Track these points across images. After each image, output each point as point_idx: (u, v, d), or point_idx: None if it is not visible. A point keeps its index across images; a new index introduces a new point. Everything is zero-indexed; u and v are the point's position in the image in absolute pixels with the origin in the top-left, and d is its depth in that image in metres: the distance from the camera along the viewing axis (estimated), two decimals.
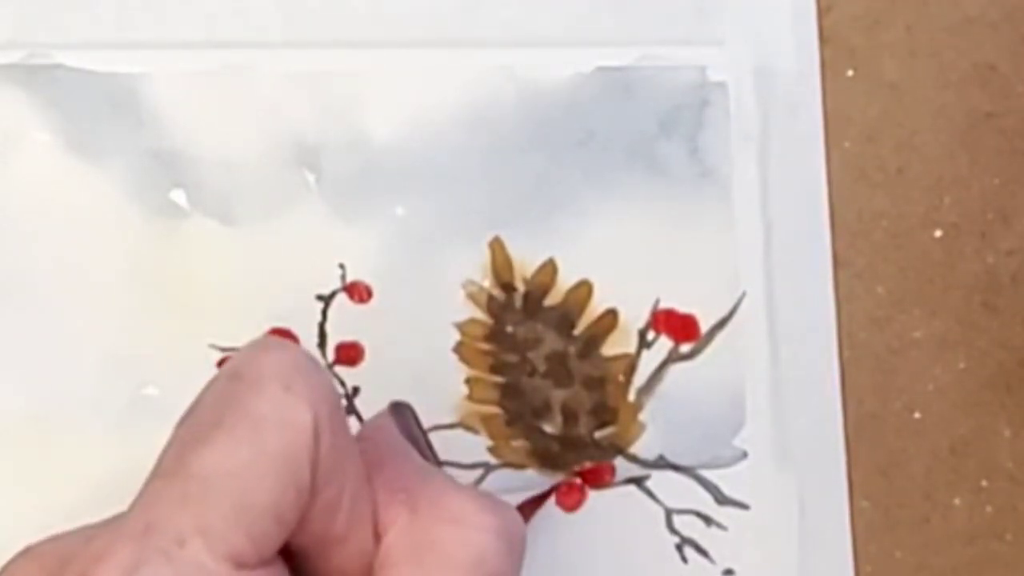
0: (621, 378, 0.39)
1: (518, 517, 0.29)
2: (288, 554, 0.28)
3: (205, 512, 0.25)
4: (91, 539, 0.26)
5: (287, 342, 0.29)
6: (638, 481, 0.39)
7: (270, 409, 0.26)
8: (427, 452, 0.31)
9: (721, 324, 0.39)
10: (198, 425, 0.27)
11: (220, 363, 0.38)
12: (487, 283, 0.39)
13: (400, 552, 0.28)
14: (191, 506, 0.25)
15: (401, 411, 0.32)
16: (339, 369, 0.38)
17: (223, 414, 0.27)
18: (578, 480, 0.38)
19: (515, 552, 0.28)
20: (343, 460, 0.27)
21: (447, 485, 0.29)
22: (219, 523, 0.25)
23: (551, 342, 0.39)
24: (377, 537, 0.28)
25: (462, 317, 0.39)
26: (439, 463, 0.32)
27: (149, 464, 0.37)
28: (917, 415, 0.40)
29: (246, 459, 0.26)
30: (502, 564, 0.27)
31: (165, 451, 0.27)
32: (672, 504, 0.39)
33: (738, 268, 0.40)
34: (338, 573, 0.28)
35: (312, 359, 0.28)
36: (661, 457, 0.39)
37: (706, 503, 0.39)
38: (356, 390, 0.38)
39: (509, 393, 0.39)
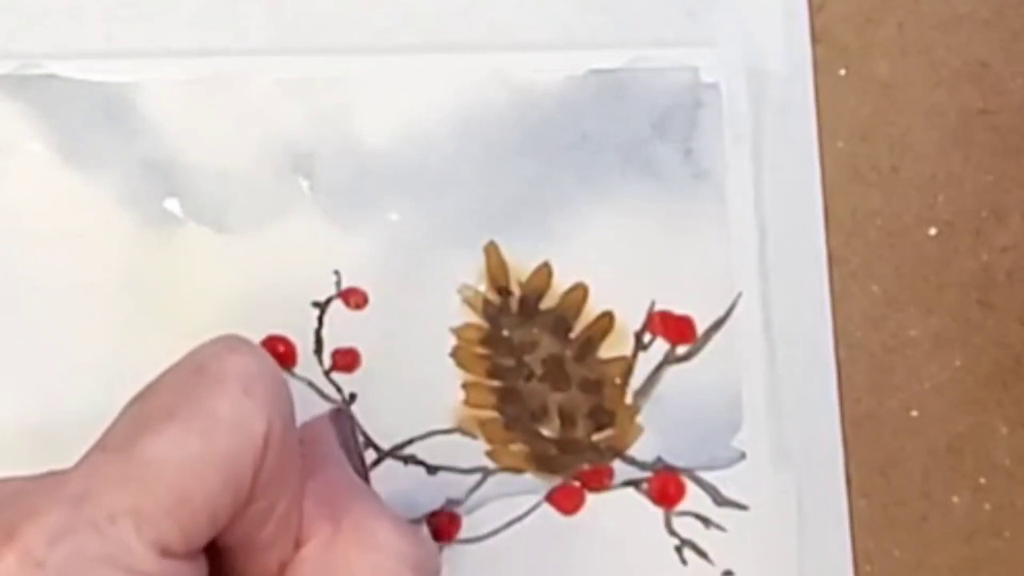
0: (618, 381, 0.39)
1: (435, 551, 0.29)
2: (211, 548, 0.28)
3: (143, 496, 0.26)
4: (21, 492, 0.26)
5: (256, 347, 0.29)
6: (636, 483, 0.39)
7: (227, 410, 0.27)
8: (359, 465, 0.32)
9: (717, 325, 0.39)
10: (153, 408, 0.27)
11: None
12: (482, 287, 0.39)
13: (314, 566, 0.28)
14: (130, 487, 0.26)
15: (341, 419, 0.32)
16: (336, 376, 0.38)
17: (179, 404, 0.27)
18: (576, 483, 0.38)
19: None
20: (285, 473, 0.28)
21: (373, 508, 0.29)
22: (154, 509, 0.26)
23: (547, 345, 0.39)
24: (296, 545, 0.28)
25: (458, 322, 0.39)
26: (367, 478, 0.32)
27: None
28: (914, 413, 0.40)
29: (194, 454, 0.26)
30: None
31: (115, 424, 0.28)
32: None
33: (733, 269, 0.40)
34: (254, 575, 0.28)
35: (276, 368, 0.28)
36: (659, 459, 0.39)
37: (705, 504, 0.39)
38: (353, 396, 0.38)
39: (506, 397, 0.39)
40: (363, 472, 0.32)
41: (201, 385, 0.27)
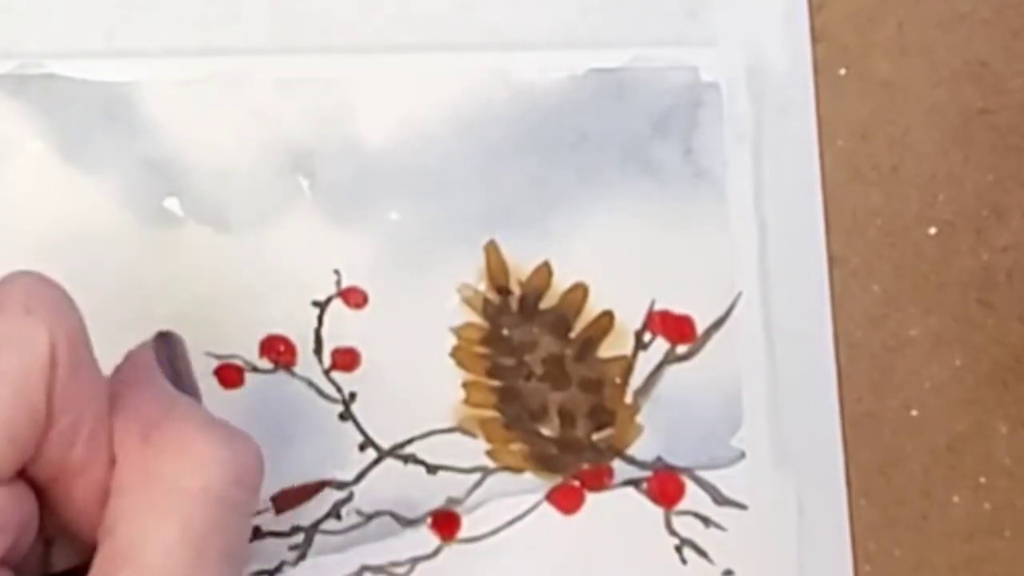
0: (618, 380, 0.39)
1: (253, 448, 0.29)
2: (33, 486, 0.28)
3: None
4: None
5: (37, 272, 0.29)
6: (636, 483, 0.39)
7: (8, 330, 0.27)
8: (188, 385, 0.31)
9: (717, 325, 0.39)
10: None
11: (217, 371, 0.38)
12: (482, 287, 0.39)
13: (130, 479, 0.28)
14: None
15: (165, 341, 0.32)
16: (336, 375, 0.38)
17: None
18: (576, 483, 0.38)
19: (246, 482, 0.29)
20: (83, 390, 0.28)
21: (187, 415, 0.29)
22: None
23: (547, 345, 0.39)
24: (112, 465, 0.29)
25: (458, 321, 0.39)
26: (199, 398, 0.31)
27: None
28: (914, 413, 0.40)
29: None
30: (231, 493, 0.28)
31: None
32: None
33: (733, 268, 0.40)
34: (80, 504, 0.29)
35: (58, 288, 0.28)
36: (659, 458, 0.39)
37: (705, 504, 0.39)
38: (353, 396, 0.38)
39: (506, 397, 0.39)
40: (194, 393, 0.31)
41: None
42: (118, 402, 0.29)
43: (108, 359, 0.38)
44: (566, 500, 0.38)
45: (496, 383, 0.39)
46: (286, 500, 0.37)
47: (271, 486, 0.37)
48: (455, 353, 0.39)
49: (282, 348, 0.38)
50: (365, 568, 0.38)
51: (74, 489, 0.28)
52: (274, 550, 0.38)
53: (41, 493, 0.29)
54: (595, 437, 0.39)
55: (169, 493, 0.28)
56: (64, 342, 0.27)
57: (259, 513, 0.35)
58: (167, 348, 0.32)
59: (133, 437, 0.29)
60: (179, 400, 0.30)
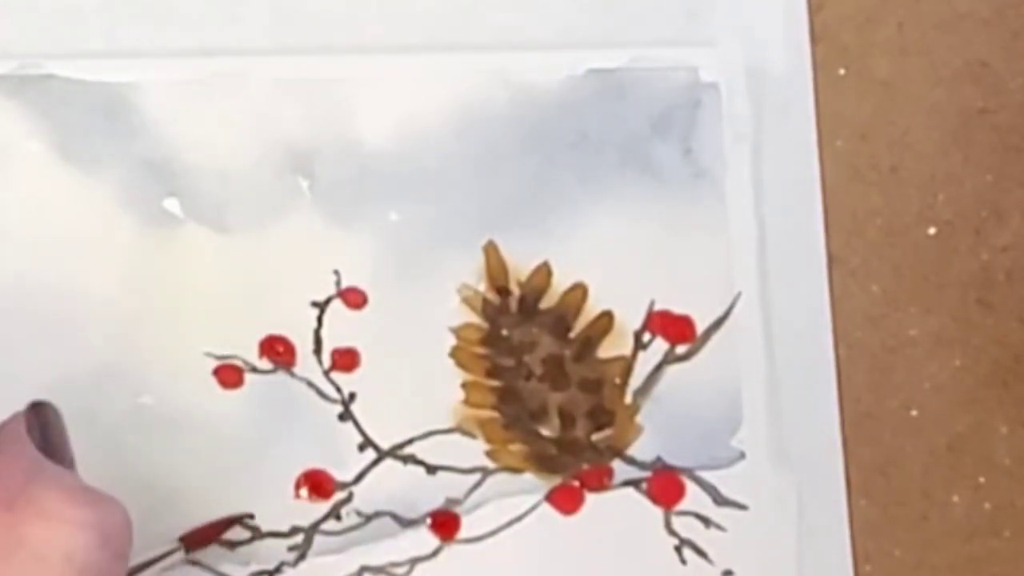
0: (617, 380, 0.39)
1: (120, 512, 0.29)
2: None
3: None
4: None
5: None
6: (636, 483, 0.39)
7: None
8: (61, 455, 0.32)
9: (717, 325, 0.39)
10: None
11: (217, 371, 0.38)
12: (482, 287, 0.39)
13: None
14: None
15: (37, 411, 0.32)
16: (335, 375, 0.38)
17: None
18: (576, 483, 0.38)
19: (111, 545, 0.29)
20: None
21: (53, 481, 0.29)
22: None
23: (547, 345, 0.39)
24: None
25: (457, 321, 0.39)
26: (72, 467, 0.32)
27: (144, 472, 0.37)
28: (914, 413, 0.40)
29: None
30: (93, 556, 0.28)
31: None
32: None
33: (733, 268, 0.40)
34: None
35: None
36: (659, 459, 0.39)
37: (705, 504, 0.39)
38: (353, 396, 0.38)
39: (506, 397, 0.39)
40: (66, 463, 0.32)
41: None
42: None
43: (106, 359, 0.38)
44: (566, 500, 0.38)
45: (496, 383, 0.39)
46: (196, 539, 0.37)
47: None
48: (455, 353, 0.39)
49: (282, 348, 0.38)
50: (365, 568, 0.38)
51: None
52: (274, 550, 0.38)
53: None
54: (595, 437, 0.39)
55: (31, 561, 0.28)
56: None
57: (169, 554, 0.35)
58: (39, 418, 0.32)
59: None
60: (46, 468, 0.30)
